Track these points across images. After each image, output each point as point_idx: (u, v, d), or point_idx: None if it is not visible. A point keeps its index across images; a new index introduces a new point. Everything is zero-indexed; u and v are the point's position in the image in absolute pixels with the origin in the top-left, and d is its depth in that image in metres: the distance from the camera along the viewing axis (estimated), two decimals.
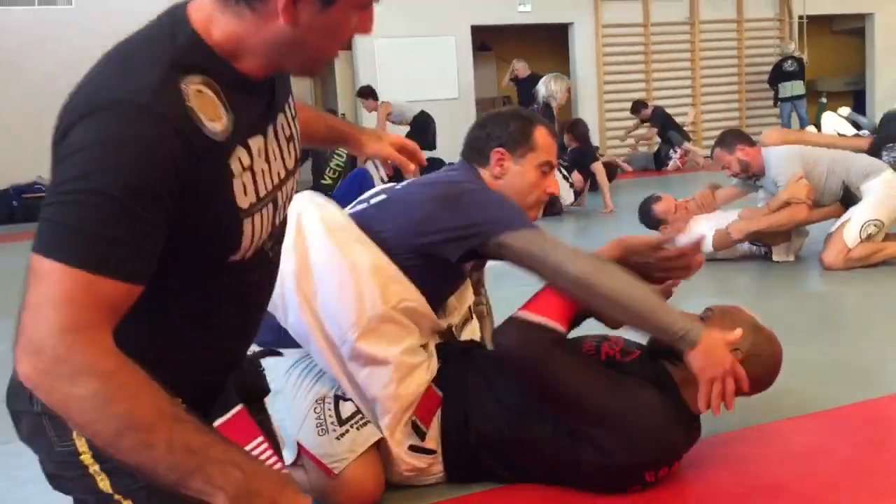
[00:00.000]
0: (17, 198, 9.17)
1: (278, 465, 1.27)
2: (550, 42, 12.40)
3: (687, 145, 10.04)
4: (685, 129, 10.59)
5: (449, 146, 6.24)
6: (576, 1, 11.45)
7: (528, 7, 11.26)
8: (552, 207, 6.65)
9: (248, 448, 1.23)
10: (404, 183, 1.96)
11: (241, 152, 1.11)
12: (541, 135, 1.98)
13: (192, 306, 1.17)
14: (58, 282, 0.94)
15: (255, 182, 1.14)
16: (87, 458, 1.14)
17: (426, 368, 1.82)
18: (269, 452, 1.26)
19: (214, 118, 1.05)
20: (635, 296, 1.66)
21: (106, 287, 0.96)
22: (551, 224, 6.41)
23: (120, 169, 0.96)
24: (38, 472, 1.23)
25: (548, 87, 7.10)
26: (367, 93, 8.97)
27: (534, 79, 8.09)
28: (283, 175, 1.21)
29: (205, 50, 1.06)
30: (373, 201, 1.95)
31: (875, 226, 3.90)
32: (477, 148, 1.98)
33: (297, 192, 1.38)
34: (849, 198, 3.95)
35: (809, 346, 2.77)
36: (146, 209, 0.98)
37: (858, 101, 13.63)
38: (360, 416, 1.76)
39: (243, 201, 1.11)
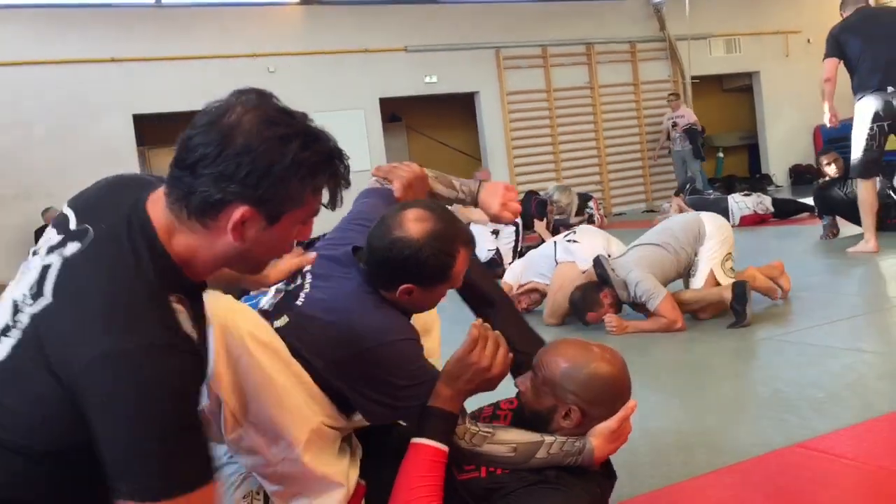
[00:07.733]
0: None
1: None
2: (458, 110, 12.69)
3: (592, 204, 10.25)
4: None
5: None
6: (480, 70, 11.80)
7: (434, 78, 11.53)
8: (494, 268, 6.76)
9: None
10: (304, 307, 1.81)
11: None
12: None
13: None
14: None
15: None
16: None
17: (356, 466, 1.81)
18: None
19: (190, 329, 1.15)
20: (532, 454, 1.72)
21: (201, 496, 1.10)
22: None
23: (164, 404, 1.06)
24: None
25: (554, 196, 8.45)
26: None
27: None
28: None
29: (174, 269, 1.17)
30: (277, 324, 1.78)
31: (730, 259, 4.20)
32: None
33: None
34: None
35: (714, 399, 2.87)
36: (194, 419, 1.11)
37: (753, 154, 14.35)
38: None
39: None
